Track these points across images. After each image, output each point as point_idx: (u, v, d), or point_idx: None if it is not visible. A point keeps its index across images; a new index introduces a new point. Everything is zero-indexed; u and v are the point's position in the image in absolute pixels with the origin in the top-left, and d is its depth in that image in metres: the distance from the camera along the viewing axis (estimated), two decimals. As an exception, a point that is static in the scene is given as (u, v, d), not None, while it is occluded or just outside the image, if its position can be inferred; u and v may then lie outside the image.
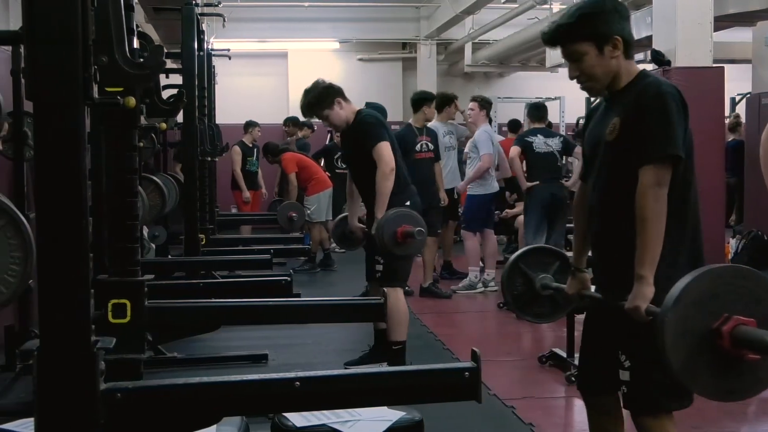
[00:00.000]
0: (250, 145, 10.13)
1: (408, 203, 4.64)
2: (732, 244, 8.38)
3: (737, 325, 1.99)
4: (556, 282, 2.92)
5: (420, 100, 7.22)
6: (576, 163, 7.73)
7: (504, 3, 11.52)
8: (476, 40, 12.96)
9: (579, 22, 2.46)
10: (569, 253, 2.90)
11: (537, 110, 7.33)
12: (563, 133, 9.43)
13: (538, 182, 6.81)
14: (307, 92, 4.74)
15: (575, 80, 2.53)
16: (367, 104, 7.28)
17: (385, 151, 4.46)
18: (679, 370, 2.03)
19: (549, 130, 7.31)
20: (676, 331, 2.02)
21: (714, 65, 6.11)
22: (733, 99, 11.70)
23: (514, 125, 10.27)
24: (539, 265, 2.98)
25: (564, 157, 7.14)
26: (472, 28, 12.58)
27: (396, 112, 14.55)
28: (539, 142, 6.98)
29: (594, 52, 2.45)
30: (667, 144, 2.35)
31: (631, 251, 2.37)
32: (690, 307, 2.03)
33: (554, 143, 6.93)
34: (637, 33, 7.15)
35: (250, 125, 10.23)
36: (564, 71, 11.65)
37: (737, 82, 10.38)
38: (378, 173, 4.44)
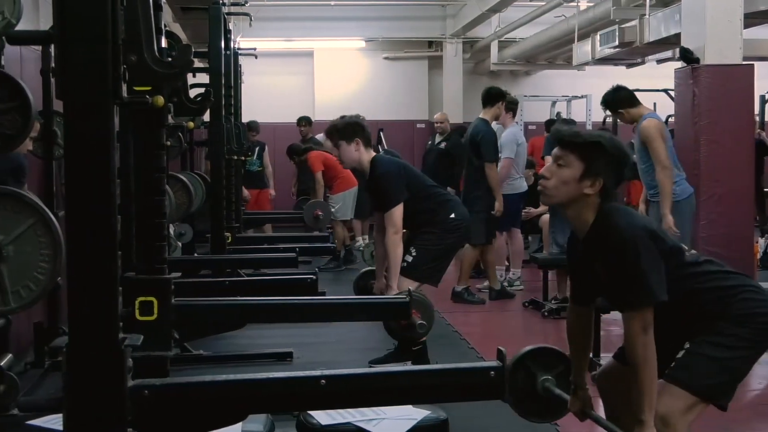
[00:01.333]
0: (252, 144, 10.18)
1: (452, 215, 4.66)
2: (761, 243, 8.29)
3: None
4: (558, 386, 2.83)
5: (498, 95, 7.05)
6: None
7: (530, 1, 11.46)
8: (502, 39, 12.89)
9: (589, 144, 2.54)
10: None
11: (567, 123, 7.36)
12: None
13: None
14: (341, 117, 4.83)
15: (542, 178, 2.60)
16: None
17: (395, 216, 4.48)
18: None
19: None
20: None
21: (744, 63, 6.03)
22: (762, 97, 11.54)
23: (550, 125, 10.29)
24: (543, 365, 2.87)
25: None
26: (498, 26, 12.52)
27: (422, 111, 14.53)
28: None
29: (576, 173, 2.52)
30: (642, 295, 2.44)
31: (698, 316, 2.55)
32: None
33: None
34: (666, 30, 7.10)
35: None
36: (591, 69, 11.58)
37: (767, 80, 10.26)
38: (387, 238, 4.48)
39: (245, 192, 9.91)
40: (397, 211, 4.49)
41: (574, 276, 2.81)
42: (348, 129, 4.64)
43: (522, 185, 7.47)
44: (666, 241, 2.55)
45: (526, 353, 2.87)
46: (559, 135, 2.63)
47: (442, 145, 9.47)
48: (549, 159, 2.65)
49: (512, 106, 7.55)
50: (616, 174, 2.55)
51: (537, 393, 2.84)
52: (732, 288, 2.58)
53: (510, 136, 7.34)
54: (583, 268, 2.66)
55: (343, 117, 4.81)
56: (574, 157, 2.53)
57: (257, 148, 10.17)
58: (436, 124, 9.78)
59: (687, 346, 2.56)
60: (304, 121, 10.48)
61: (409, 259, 4.55)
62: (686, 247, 2.71)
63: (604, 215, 2.54)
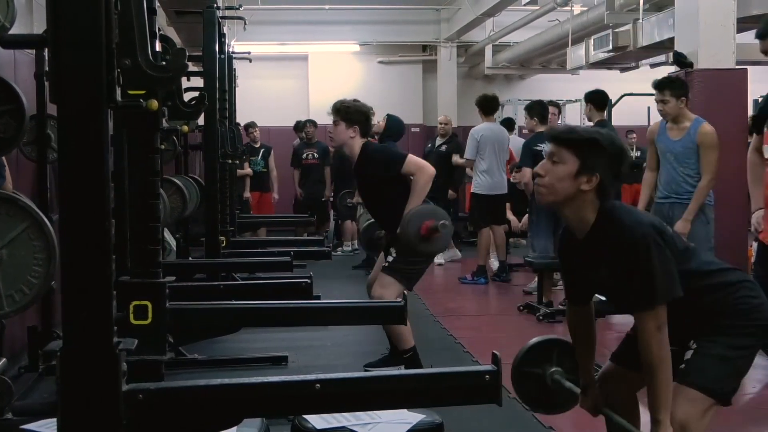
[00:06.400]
0: (256, 146, 10.22)
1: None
2: (755, 247, 8.28)
3: None
4: (566, 371, 2.84)
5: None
6: None
7: (525, 5, 11.48)
8: (497, 43, 12.93)
9: (585, 140, 2.51)
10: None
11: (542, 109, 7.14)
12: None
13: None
14: (354, 100, 4.90)
15: (536, 177, 2.57)
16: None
17: (417, 160, 4.61)
18: None
19: None
20: None
21: (737, 67, 6.06)
22: (756, 101, 11.58)
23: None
24: (542, 359, 2.85)
25: None
26: (492, 30, 12.55)
27: (416, 115, 14.54)
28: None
29: (572, 170, 2.49)
30: (656, 292, 2.42)
31: (699, 312, 2.55)
32: None
33: None
34: (659, 35, 7.13)
35: (249, 126, 10.33)
36: (585, 73, 11.61)
37: (760, 84, 10.28)
38: (422, 178, 4.51)
39: (246, 193, 9.92)
40: (413, 158, 4.60)
41: (569, 277, 2.78)
42: (354, 114, 4.70)
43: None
44: (672, 239, 2.54)
45: (519, 361, 2.86)
46: (554, 132, 2.61)
47: (443, 147, 9.49)
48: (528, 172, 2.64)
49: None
50: (613, 170, 2.51)
51: (551, 388, 2.84)
52: (732, 284, 2.57)
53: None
54: (582, 268, 2.64)
55: (356, 101, 4.86)
56: (569, 154, 2.49)
57: (263, 150, 10.18)
58: (440, 125, 9.74)
59: (694, 346, 2.55)
60: (309, 123, 10.50)
61: (390, 259, 4.62)
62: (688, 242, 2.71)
63: (607, 214, 2.51)
